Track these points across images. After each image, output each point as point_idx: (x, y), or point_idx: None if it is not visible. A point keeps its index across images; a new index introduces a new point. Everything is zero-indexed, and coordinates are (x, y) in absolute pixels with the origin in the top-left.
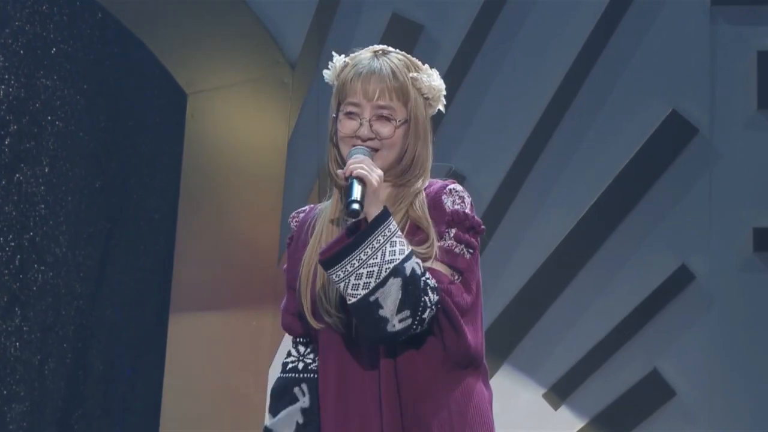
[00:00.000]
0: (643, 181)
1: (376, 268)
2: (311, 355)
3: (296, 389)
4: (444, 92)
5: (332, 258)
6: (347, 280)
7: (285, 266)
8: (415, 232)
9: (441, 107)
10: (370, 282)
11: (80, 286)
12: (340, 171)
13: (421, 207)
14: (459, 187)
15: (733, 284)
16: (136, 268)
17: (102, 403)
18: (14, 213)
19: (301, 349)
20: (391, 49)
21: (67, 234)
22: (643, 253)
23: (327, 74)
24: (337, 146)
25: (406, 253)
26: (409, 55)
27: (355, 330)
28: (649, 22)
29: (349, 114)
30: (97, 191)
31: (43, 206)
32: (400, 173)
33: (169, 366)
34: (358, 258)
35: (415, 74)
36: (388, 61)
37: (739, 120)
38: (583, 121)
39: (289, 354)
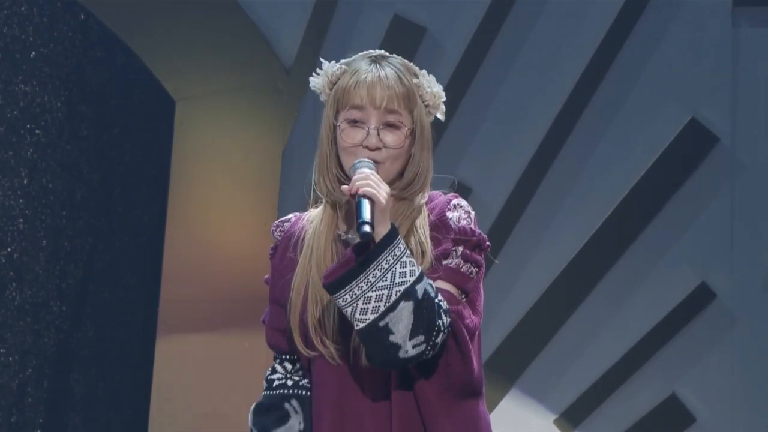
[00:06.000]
0: (661, 193)
1: (385, 291)
2: (300, 373)
3: (287, 405)
4: (444, 99)
5: (338, 281)
6: (354, 305)
7: (268, 277)
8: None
9: (440, 116)
10: (379, 306)
11: (61, 305)
12: (345, 187)
13: (422, 226)
14: (463, 202)
15: (756, 303)
16: (121, 286)
17: (83, 431)
18: None
19: (288, 366)
20: (387, 53)
21: (47, 250)
22: (660, 270)
23: (315, 82)
24: (336, 157)
25: (417, 274)
26: (406, 60)
27: (353, 358)
28: (667, 24)
29: (353, 122)
30: (80, 204)
31: (21, 220)
32: (403, 186)
33: (156, 390)
34: (366, 280)
35: (416, 80)
36: (390, 66)
37: (763, 128)
38: (597, 130)
39: (274, 370)
